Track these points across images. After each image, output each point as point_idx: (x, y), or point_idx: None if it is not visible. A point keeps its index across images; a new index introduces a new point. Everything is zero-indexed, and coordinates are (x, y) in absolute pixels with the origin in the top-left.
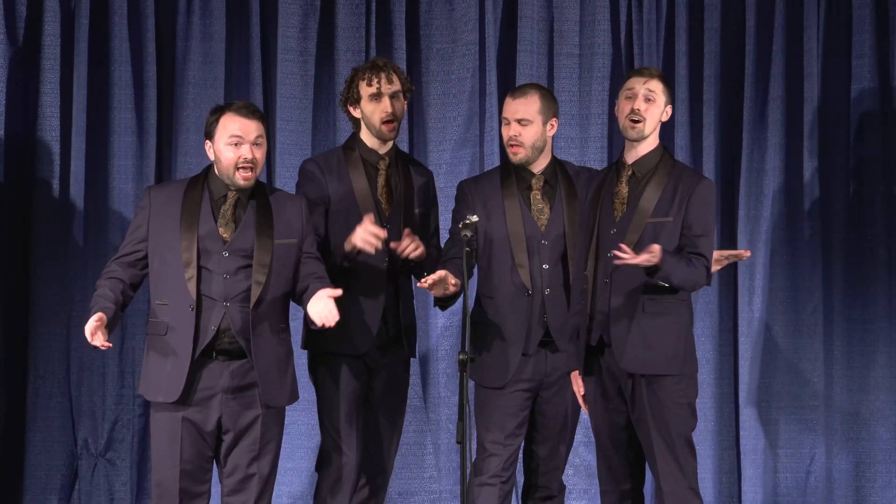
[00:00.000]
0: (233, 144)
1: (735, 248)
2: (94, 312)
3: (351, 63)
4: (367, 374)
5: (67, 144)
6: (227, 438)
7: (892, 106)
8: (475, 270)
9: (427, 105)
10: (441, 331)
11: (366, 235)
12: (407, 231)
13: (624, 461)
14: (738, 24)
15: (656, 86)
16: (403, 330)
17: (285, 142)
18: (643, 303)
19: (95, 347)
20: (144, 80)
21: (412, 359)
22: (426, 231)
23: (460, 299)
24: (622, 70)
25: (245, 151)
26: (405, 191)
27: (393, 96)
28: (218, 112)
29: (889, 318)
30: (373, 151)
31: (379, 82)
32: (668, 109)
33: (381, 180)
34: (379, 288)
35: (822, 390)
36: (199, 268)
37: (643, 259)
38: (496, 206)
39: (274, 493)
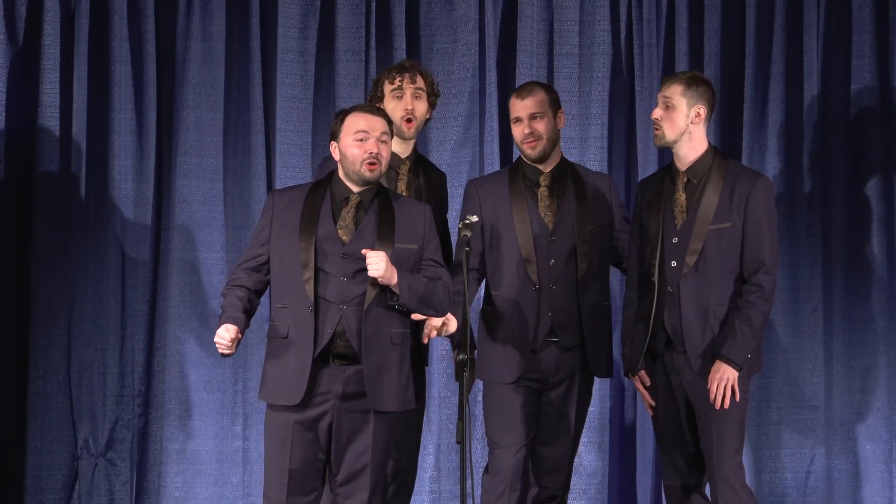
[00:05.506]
0: (359, 140)
1: None
2: (225, 322)
3: (351, 63)
4: None
5: (68, 144)
6: (338, 444)
7: (892, 106)
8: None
9: None
10: None
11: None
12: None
13: (688, 456)
14: (739, 24)
15: (674, 90)
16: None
17: (285, 142)
18: (713, 310)
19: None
20: (144, 80)
21: None
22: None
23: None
24: (622, 70)
25: (371, 146)
26: (426, 198)
27: (416, 95)
28: (342, 113)
29: (889, 318)
30: (394, 155)
31: (402, 80)
32: (699, 110)
33: (401, 185)
34: None
35: (823, 390)
36: (317, 269)
37: (726, 383)
38: (504, 203)
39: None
